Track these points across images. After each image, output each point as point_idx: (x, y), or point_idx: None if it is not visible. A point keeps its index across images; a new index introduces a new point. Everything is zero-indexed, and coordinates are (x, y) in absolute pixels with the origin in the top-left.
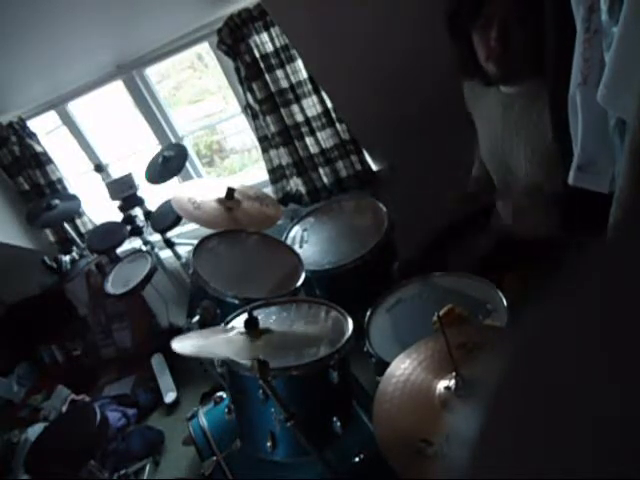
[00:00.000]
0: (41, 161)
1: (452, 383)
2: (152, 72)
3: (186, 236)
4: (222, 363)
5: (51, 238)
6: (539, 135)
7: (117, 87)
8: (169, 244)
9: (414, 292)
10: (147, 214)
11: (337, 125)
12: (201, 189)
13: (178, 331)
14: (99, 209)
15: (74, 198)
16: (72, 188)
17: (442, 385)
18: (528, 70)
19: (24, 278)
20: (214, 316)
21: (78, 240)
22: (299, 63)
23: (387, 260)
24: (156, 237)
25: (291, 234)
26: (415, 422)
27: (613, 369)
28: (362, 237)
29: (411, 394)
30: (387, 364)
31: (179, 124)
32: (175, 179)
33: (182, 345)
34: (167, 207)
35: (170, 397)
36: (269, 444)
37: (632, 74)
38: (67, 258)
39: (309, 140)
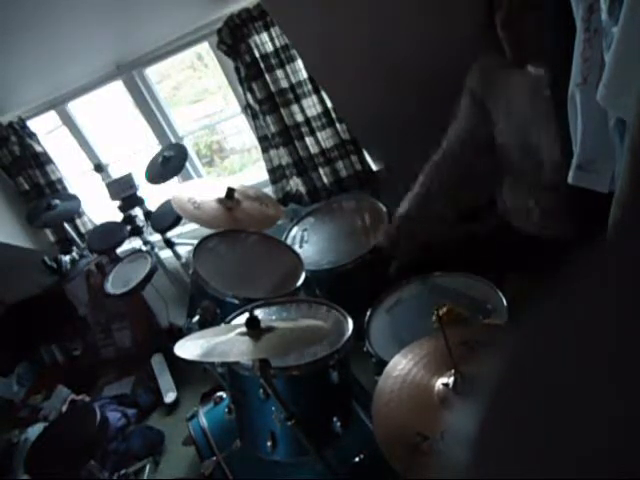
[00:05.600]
0: (41, 161)
1: (451, 380)
2: (152, 72)
3: (186, 236)
4: (222, 363)
5: (51, 238)
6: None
7: (117, 87)
8: (169, 244)
9: (414, 292)
10: (147, 214)
11: (337, 125)
12: (201, 189)
13: (178, 331)
14: (99, 209)
15: (74, 198)
16: (72, 188)
17: (441, 382)
18: (543, 54)
19: (24, 278)
20: (214, 316)
21: (78, 240)
22: (299, 63)
23: (387, 260)
24: (156, 237)
25: (291, 234)
26: (413, 417)
27: (613, 369)
28: (362, 237)
29: (410, 390)
30: (387, 364)
31: (179, 124)
32: (175, 179)
33: (185, 350)
34: (167, 207)
35: (170, 397)
36: (269, 444)
37: (632, 74)
38: (67, 258)
39: (309, 140)
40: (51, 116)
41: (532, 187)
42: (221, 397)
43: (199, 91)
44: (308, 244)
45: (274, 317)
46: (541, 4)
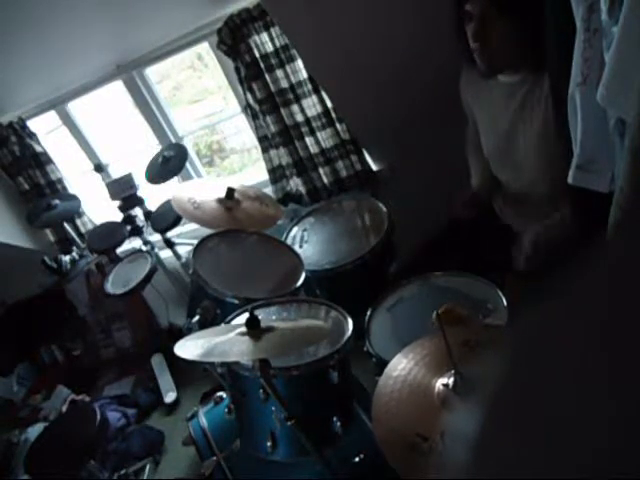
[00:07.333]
0: (41, 161)
1: (451, 381)
2: (152, 72)
3: (186, 236)
4: (222, 363)
5: (51, 238)
6: (545, 123)
7: (117, 87)
8: (169, 244)
9: (414, 292)
10: (147, 214)
11: (337, 125)
12: (201, 189)
13: (178, 331)
14: (99, 209)
15: (74, 198)
16: (72, 188)
17: (441, 382)
18: (519, 61)
19: (24, 278)
20: (214, 316)
21: (78, 240)
22: (299, 63)
23: (387, 260)
24: (156, 237)
25: (291, 234)
26: (413, 417)
27: (613, 369)
28: (362, 237)
29: (411, 390)
30: (387, 364)
31: (179, 124)
32: (175, 179)
33: (185, 350)
34: (167, 207)
35: (170, 397)
36: (269, 444)
37: (632, 74)
38: (67, 258)
39: (309, 140)
40: (51, 116)
41: (518, 194)
42: (221, 397)
43: (199, 91)
44: (308, 244)
45: (274, 317)
46: (514, 13)
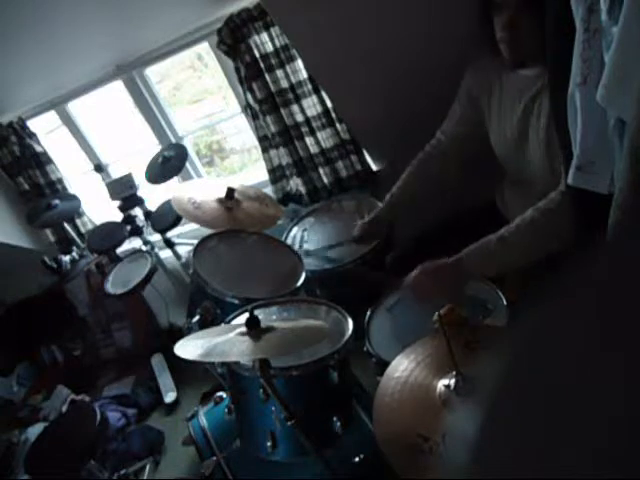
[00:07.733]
0: (41, 161)
1: (452, 382)
2: (152, 72)
3: (186, 236)
4: (222, 363)
5: (51, 238)
6: (549, 119)
7: (117, 87)
8: (169, 244)
9: None
10: (147, 214)
11: (337, 125)
12: (201, 189)
13: (178, 331)
14: (99, 209)
15: (74, 198)
16: (72, 188)
17: (442, 383)
18: (540, 56)
19: (24, 278)
20: (214, 316)
21: (78, 240)
22: (299, 63)
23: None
24: (156, 237)
25: (291, 234)
26: (414, 418)
27: (613, 369)
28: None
29: (412, 390)
30: (387, 364)
31: (179, 124)
32: (175, 179)
33: (185, 350)
34: (167, 207)
35: (170, 397)
36: (269, 444)
37: (632, 74)
38: (67, 258)
39: (309, 140)
40: (51, 116)
41: (523, 187)
42: (221, 397)
43: (199, 91)
44: (308, 244)
45: (274, 317)
46: (541, 5)
